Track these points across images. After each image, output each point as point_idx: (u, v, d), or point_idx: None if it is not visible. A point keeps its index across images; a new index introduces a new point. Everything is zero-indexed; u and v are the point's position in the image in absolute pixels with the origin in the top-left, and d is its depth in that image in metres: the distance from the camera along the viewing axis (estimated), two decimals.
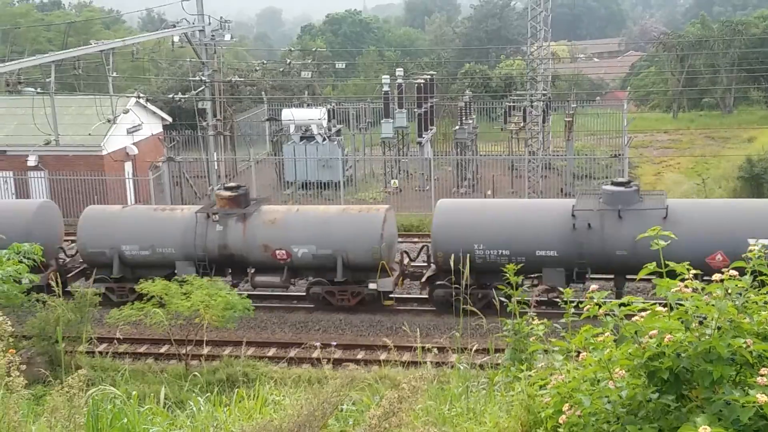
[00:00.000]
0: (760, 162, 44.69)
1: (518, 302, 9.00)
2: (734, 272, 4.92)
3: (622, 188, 27.96)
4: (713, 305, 4.71)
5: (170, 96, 44.32)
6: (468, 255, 28.36)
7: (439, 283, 28.67)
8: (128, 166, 46.59)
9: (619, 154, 47.42)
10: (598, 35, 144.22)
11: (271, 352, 27.62)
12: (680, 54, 75.59)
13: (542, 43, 50.67)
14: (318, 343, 26.42)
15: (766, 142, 49.07)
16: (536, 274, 27.45)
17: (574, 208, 27.58)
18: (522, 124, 52.04)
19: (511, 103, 57.33)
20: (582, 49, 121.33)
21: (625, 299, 5.19)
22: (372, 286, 29.08)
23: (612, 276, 28.04)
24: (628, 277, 26.70)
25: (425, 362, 11.48)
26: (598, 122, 63.12)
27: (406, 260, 30.71)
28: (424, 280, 29.16)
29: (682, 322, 4.83)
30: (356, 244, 28.87)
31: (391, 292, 29.59)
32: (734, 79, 73.78)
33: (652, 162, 57.28)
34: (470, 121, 51.80)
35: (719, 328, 4.65)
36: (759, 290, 5.07)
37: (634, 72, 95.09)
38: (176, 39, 41.14)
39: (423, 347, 11.55)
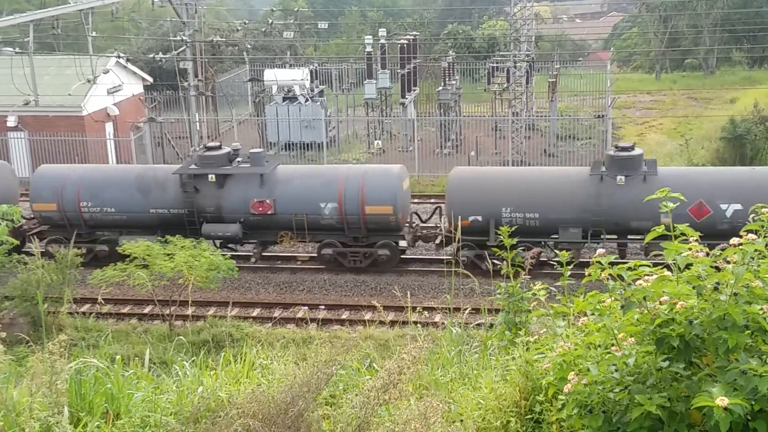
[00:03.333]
0: (743, 123, 44.66)
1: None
2: (752, 236, 4.74)
3: None
4: (730, 271, 4.53)
5: (151, 56, 43.69)
6: None
7: None
8: (109, 127, 46.05)
9: (603, 115, 47.26)
10: None
11: (256, 312, 27.50)
12: (663, 15, 75.27)
13: (525, 3, 50.25)
14: (305, 307, 26.34)
15: (749, 103, 48.92)
16: None
17: None
18: (505, 85, 51.75)
19: (495, 64, 57.07)
20: (564, 10, 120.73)
21: (631, 263, 5.02)
22: None
23: None
24: None
25: (416, 324, 11.31)
26: (581, 83, 62.91)
27: None
28: None
29: (693, 288, 4.66)
30: None
31: None
32: (717, 40, 73.54)
33: (635, 123, 57.17)
34: (453, 82, 51.45)
35: (735, 295, 4.47)
36: None
37: (617, 33, 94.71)
38: None
39: (414, 308, 11.42)
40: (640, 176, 27.45)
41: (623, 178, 27.43)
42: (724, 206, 26.68)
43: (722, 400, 4.01)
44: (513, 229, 9.32)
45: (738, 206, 26.43)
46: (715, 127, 48.26)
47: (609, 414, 4.83)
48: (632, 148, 28.51)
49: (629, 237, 28.22)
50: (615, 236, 28.39)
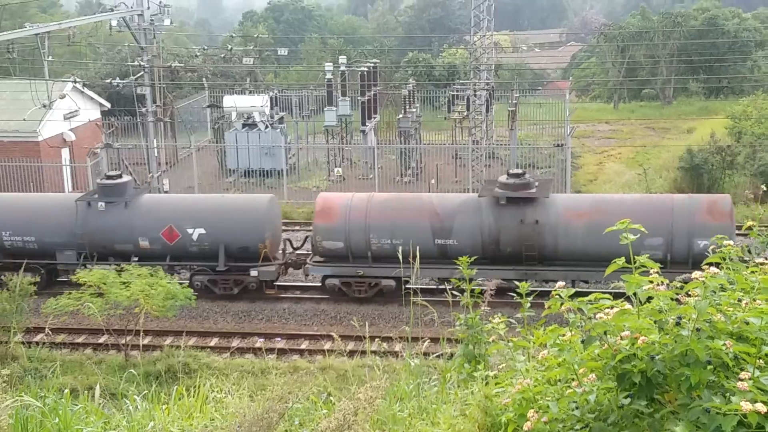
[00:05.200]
0: (700, 153, 45.08)
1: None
2: (714, 269, 4.64)
3: None
4: (692, 305, 4.42)
5: (108, 81, 43.36)
6: None
7: None
8: (65, 153, 45.54)
9: (562, 144, 47.54)
10: (539, 26, 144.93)
11: (213, 342, 27.16)
12: (621, 45, 76.09)
13: (485, 32, 50.54)
14: (261, 340, 26.08)
15: (705, 133, 49.44)
16: None
17: None
18: (465, 113, 51.91)
19: (455, 92, 57.21)
20: (524, 39, 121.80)
21: (591, 296, 4.91)
22: None
23: None
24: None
25: (374, 353, 11.16)
26: (540, 112, 63.30)
27: None
28: None
29: (655, 323, 4.55)
30: None
31: None
32: (674, 70, 74.45)
33: (594, 152, 57.58)
34: (414, 110, 51.50)
35: (698, 330, 4.37)
36: (732, 288, 4.81)
37: (576, 63, 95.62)
38: (114, 23, 40.15)
39: (372, 338, 11.25)
40: (122, 202, 29.79)
41: (104, 204, 29.70)
42: (190, 230, 29.27)
43: None
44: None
45: (202, 230, 29.26)
46: (672, 157, 48.69)
47: None
48: (119, 176, 31.14)
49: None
50: (113, 258, 30.19)
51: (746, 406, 3.94)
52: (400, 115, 49.93)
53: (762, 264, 5.19)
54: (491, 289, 8.69)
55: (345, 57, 55.46)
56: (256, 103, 49.61)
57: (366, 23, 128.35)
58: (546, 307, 5.14)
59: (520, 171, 29.68)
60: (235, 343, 26.77)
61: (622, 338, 4.54)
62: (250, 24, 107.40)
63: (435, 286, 28.00)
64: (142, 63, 40.03)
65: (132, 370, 14.40)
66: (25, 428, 7.35)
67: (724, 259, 5.10)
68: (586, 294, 5.05)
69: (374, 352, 11.75)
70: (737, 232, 28.28)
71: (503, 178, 28.87)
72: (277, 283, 30.54)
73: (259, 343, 25.70)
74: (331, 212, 28.93)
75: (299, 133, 54.33)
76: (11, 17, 71.95)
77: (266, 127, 48.89)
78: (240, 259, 29.53)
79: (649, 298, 4.72)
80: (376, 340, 12.87)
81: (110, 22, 40.42)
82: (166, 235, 29.28)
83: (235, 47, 63.50)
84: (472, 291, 8.64)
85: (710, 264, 4.78)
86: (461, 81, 61.41)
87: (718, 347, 4.31)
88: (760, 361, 4.46)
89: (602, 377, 4.68)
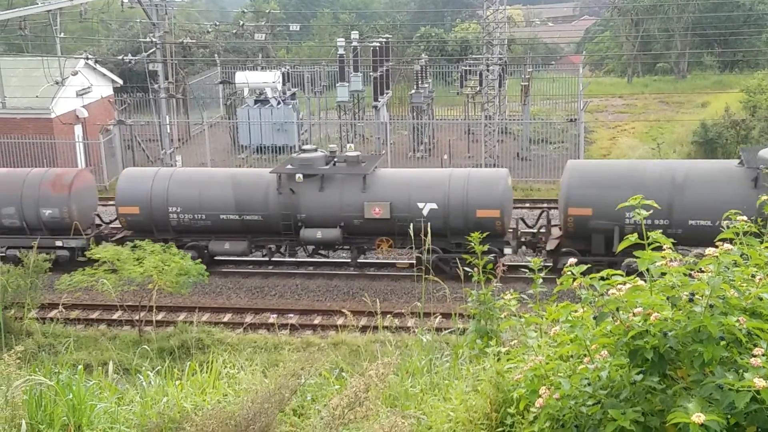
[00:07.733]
0: (714, 127, 44.84)
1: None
2: (728, 246, 4.61)
3: None
4: (705, 281, 4.39)
5: (120, 58, 43.29)
6: None
7: None
8: (78, 130, 45.58)
9: (575, 119, 47.32)
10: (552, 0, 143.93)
11: (227, 317, 27.27)
12: (635, 18, 75.50)
13: (498, 6, 50.24)
14: (274, 315, 26.18)
15: (720, 107, 49.14)
16: None
17: None
18: (478, 89, 51.71)
19: (467, 67, 56.95)
20: (537, 13, 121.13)
21: (604, 273, 4.88)
22: None
23: None
24: None
25: (386, 328, 11.17)
26: (553, 87, 62.98)
27: None
28: None
29: (667, 299, 4.52)
30: None
31: None
32: (688, 44, 73.89)
33: (607, 127, 57.27)
34: (426, 85, 51.33)
35: (711, 306, 4.34)
36: (746, 263, 4.78)
37: (589, 37, 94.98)
38: None
39: (384, 314, 11.27)
40: None
41: None
42: None
43: (699, 417, 3.87)
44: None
45: None
46: (686, 131, 48.42)
47: (582, 428, 4.70)
48: None
49: None
50: None
51: (759, 382, 3.91)
52: (413, 91, 49.78)
53: None
54: (503, 266, 8.67)
55: (357, 32, 55.12)
56: (268, 79, 49.55)
57: None
58: (558, 283, 5.12)
59: None
60: (248, 318, 26.89)
61: (634, 314, 4.53)
62: None
63: None
64: (154, 39, 39.95)
65: (146, 346, 14.47)
66: (39, 404, 7.39)
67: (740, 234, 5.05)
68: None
69: (386, 328, 11.76)
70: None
71: None
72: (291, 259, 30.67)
73: (272, 318, 25.81)
74: None
75: (311, 109, 54.24)
76: None
77: (278, 103, 48.85)
78: None
79: (662, 274, 4.70)
80: (388, 315, 12.89)
81: None
82: None
83: (246, 23, 63.29)
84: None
85: (723, 240, 4.75)
86: (474, 56, 61.11)
87: (731, 323, 4.29)
88: None
89: (614, 353, 4.67)
